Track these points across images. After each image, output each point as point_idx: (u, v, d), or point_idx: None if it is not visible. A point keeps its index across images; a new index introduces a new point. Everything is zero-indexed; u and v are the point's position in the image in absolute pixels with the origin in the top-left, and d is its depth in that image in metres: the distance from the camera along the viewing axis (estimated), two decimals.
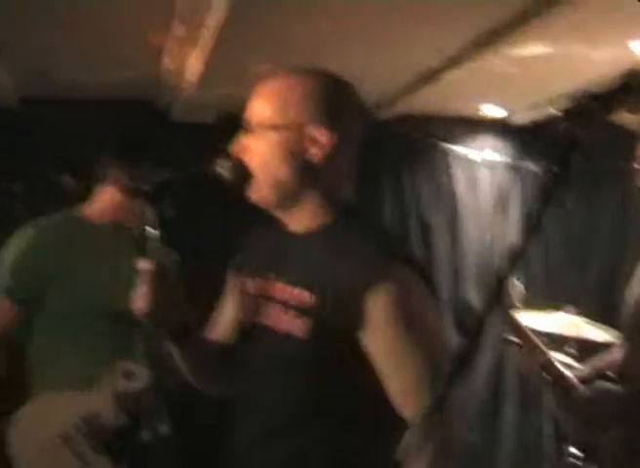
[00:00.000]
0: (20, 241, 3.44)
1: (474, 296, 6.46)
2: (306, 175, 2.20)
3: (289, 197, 2.23)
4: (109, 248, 3.42)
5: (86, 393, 3.26)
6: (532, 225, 1.36)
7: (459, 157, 6.45)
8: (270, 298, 2.24)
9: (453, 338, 6.36)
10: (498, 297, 1.36)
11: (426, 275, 2.12)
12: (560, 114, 1.30)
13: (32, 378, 3.51)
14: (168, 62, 4.81)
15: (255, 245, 2.44)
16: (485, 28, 4.20)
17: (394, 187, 6.34)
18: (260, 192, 2.23)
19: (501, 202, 6.57)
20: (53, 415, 3.32)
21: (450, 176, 6.47)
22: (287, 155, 2.19)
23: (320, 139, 2.17)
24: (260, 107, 2.23)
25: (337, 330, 2.07)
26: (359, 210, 2.31)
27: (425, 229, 6.38)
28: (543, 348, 3.81)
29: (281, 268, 2.25)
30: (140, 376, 3.34)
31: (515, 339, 4.66)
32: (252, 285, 2.34)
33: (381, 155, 5.92)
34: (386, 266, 2.05)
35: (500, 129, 6.49)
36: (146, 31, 4.44)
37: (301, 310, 2.13)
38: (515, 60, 4.70)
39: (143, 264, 2.22)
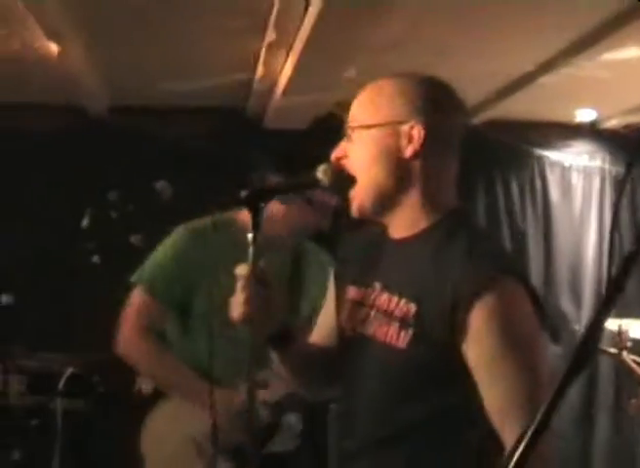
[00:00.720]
0: (167, 241, 3.47)
1: (566, 303, 6.39)
2: (404, 174, 2.16)
3: (388, 200, 2.18)
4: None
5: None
6: None
7: (552, 162, 6.38)
8: (373, 307, 2.21)
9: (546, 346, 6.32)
10: (610, 306, 1.30)
11: (532, 288, 2.07)
12: None
13: None
14: (260, 69, 4.83)
15: (357, 251, 2.40)
16: (579, 34, 4.17)
17: (487, 193, 6.31)
18: (360, 197, 2.20)
19: (596, 208, 6.48)
20: (187, 418, 3.33)
21: (544, 182, 6.41)
22: (382, 155, 2.15)
23: (414, 136, 2.13)
24: (357, 112, 2.22)
25: (438, 340, 2.03)
26: (465, 213, 2.28)
27: (518, 236, 6.32)
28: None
29: (384, 277, 2.22)
30: (276, 387, 3.35)
31: (613, 351, 4.60)
32: (354, 293, 2.31)
33: (475, 161, 5.87)
34: (493, 276, 2.00)
35: (593, 134, 6.40)
36: (239, 39, 4.48)
37: (405, 321, 2.10)
38: (609, 65, 4.64)
39: (240, 269, 2.21)
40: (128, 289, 3.48)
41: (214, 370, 3.03)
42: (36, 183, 5.79)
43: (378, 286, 2.22)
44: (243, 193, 2.22)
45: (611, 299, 1.31)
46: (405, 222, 2.20)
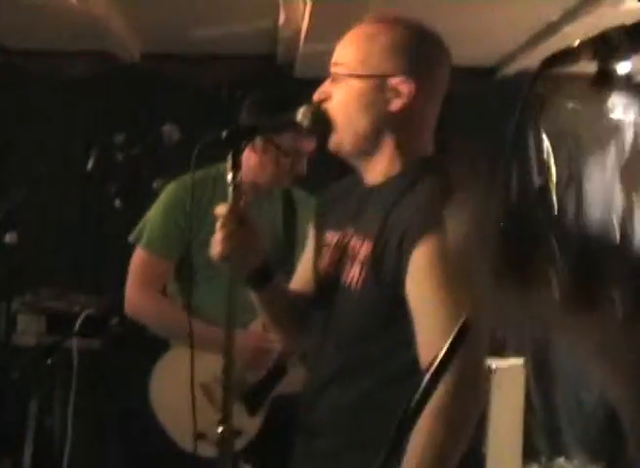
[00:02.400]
0: (162, 197, 3.54)
1: None
2: (385, 124, 2.18)
3: (366, 146, 2.21)
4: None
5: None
6: None
7: (583, 115, 6.29)
8: (345, 252, 2.23)
9: None
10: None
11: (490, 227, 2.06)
12: None
13: None
14: (282, 15, 4.83)
15: (335, 198, 2.42)
16: None
17: (518, 145, 6.26)
18: (337, 140, 2.22)
19: (630, 163, 6.40)
20: (195, 365, 3.34)
21: (575, 135, 6.33)
22: (368, 105, 2.17)
23: (403, 91, 2.14)
24: (345, 55, 2.21)
25: (389, 280, 2.06)
26: (437, 161, 2.27)
27: (547, 189, 6.26)
28: None
29: (355, 222, 2.24)
30: None
31: None
32: (331, 237, 2.33)
33: (504, 111, 5.82)
34: (440, 216, 1.97)
35: (625, 86, 6.31)
36: None
37: (364, 263, 2.13)
38: (635, 13, 4.57)
39: (219, 209, 2.24)
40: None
41: (220, 314, 3.11)
42: (59, 126, 5.97)
43: (350, 231, 2.25)
44: (223, 133, 2.24)
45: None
46: (379, 169, 2.23)
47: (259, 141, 3.37)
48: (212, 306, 3.34)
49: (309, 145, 3.37)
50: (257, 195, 3.45)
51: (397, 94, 2.15)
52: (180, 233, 3.44)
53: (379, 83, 2.15)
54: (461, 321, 1.28)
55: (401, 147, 2.20)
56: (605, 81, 1.30)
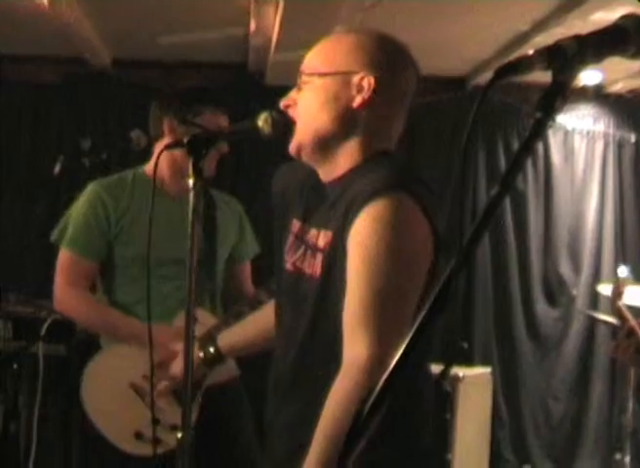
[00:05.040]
0: (82, 198, 3.55)
1: (565, 268, 6.38)
2: (348, 124, 2.20)
3: (328, 146, 2.22)
4: (166, 201, 3.47)
5: None
6: None
7: (555, 126, 6.33)
8: (308, 245, 2.25)
9: (544, 308, 6.35)
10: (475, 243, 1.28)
11: (424, 206, 2.07)
12: None
13: None
14: (253, 24, 4.85)
15: (295, 187, 2.41)
16: None
17: (488, 154, 6.29)
18: (300, 137, 2.23)
19: (598, 172, 6.45)
20: (124, 365, 3.41)
21: (545, 145, 6.37)
22: (331, 102, 2.19)
23: (364, 87, 2.17)
24: (310, 60, 2.25)
25: (343, 264, 2.07)
26: (392, 154, 2.28)
27: (518, 197, 6.30)
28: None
29: (316, 218, 2.26)
30: (205, 322, 3.40)
31: (609, 319, 4.60)
32: (297, 227, 2.33)
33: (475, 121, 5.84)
34: (380, 190, 2.04)
35: (598, 97, 6.36)
36: None
37: (323, 251, 2.16)
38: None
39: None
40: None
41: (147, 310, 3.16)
42: (28, 130, 6.00)
43: (312, 227, 2.26)
44: (185, 139, 2.26)
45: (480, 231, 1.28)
46: (339, 167, 2.23)
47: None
48: (137, 304, 3.46)
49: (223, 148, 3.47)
50: (177, 194, 3.49)
51: (359, 90, 2.18)
52: (100, 233, 3.50)
53: (341, 80, 2.18)
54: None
55: (362, 147, 2.22)
56: (559, 91, 1.30)
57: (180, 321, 3.40)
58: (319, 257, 2.17)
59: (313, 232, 2.23)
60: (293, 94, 2.27)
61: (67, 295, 3.51)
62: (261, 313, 2.80)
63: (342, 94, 2.18)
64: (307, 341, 2.21)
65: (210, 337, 3.05)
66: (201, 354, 2.94)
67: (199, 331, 3.42)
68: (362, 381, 1.91)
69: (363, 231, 2.03)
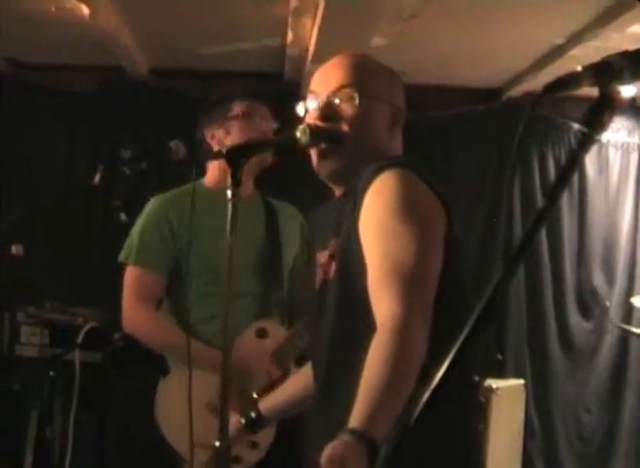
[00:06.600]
0: (144, 214, 3.56)
1: (599, 280, 6.36)
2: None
3: (352, 165, 2.27)
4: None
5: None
6: None
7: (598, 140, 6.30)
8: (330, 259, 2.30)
9: (577, 320, 6.33)
10: (518, 260, 1.30)
11: (426, 178, 2.14)
12: None
13: None
14: (290, 35, 4.88)
15: (319, 221, 2.51)
16: (607, 5, 4.16)
17: (523, 166, 6.28)
18: (350, 156, 2.28)
19: (633, 184, 6.43)
20: (198, 382, 3.31)
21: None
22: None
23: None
24: (364, 79, 2.32)
25: (355, 262, 2.11)
26: (404, 161, 2.31)
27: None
28: None
29: (334, 232, 2.30)
30: (276, 335, 3.42)
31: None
32: (321, 258, 2.38)
33: (510, 133, 5.86)
34: (380, 168, 2.13)
35: (633, 110, 6.34)
36: (267, 4, 4.53)
37: (335, 254, 2.23)
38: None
39: None
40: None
41: (214, 330, 3.15)
42: (67, 139, 6.04)
43: (331, 241, 2.30)
44: (223, 151, 2.28)
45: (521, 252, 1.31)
46: (344, 182, 2.31)
47: None
48: (206, 323, 3.40)
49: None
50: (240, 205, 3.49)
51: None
52: (165, 246, 3.48)
53: (339, 95, 2.30)
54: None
55: (361, 161, 2.26)
56: (606, 106, 1.32)
57: (246, 335, 3.42)
58: (334, 261, 2.23)
59: (333, 242, 2.29)
60: (333, 106, 2.30)
61: (138, 315, 3.49)
62: (301, 372, 2.77)
63: (339, 106, 2.30)
64: (338, 322, 2.23)
65: (252, 401, 3.05)
66: (242, 420, 2.85)
67: (270, 345, 3.44)
68: (388, 340, 1.86)
69: (372, 204, 2.09)
